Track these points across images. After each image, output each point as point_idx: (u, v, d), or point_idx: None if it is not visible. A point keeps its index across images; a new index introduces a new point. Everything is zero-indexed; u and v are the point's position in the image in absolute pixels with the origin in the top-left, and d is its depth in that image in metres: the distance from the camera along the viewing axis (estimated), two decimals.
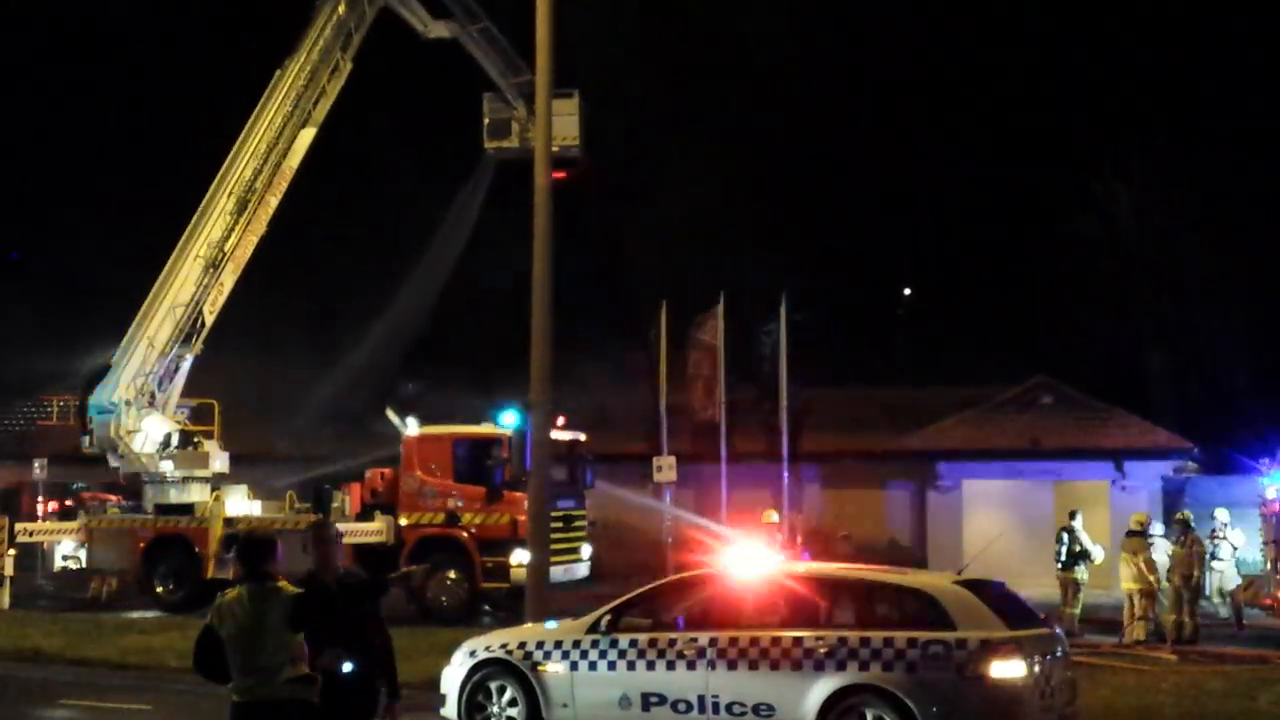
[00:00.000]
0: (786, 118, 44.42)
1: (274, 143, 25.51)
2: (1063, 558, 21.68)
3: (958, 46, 47.26)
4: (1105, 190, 38.76)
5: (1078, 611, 21.47)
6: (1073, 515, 22.35)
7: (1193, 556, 20.80)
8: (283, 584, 7.45)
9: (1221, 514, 22.94)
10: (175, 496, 24.80)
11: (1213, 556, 22.36)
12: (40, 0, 50.60)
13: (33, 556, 26.28)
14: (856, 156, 45.92)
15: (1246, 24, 42.84)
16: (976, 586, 11.65)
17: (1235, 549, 22.73)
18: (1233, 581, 22.69)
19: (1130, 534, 20.92)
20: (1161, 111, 42.05)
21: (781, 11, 41.27)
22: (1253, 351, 37.64)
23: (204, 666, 7.55)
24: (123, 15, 49.51)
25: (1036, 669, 11.00)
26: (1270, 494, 22.05)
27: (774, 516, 22.86)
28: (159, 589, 23.87)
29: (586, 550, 24.25)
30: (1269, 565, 22.09)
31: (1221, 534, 22.70)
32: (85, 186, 44.48)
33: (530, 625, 14.11)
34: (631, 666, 11.86)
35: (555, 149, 18.46)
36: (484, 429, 23.36)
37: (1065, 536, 21.82)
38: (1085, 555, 21.68)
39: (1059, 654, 11.67)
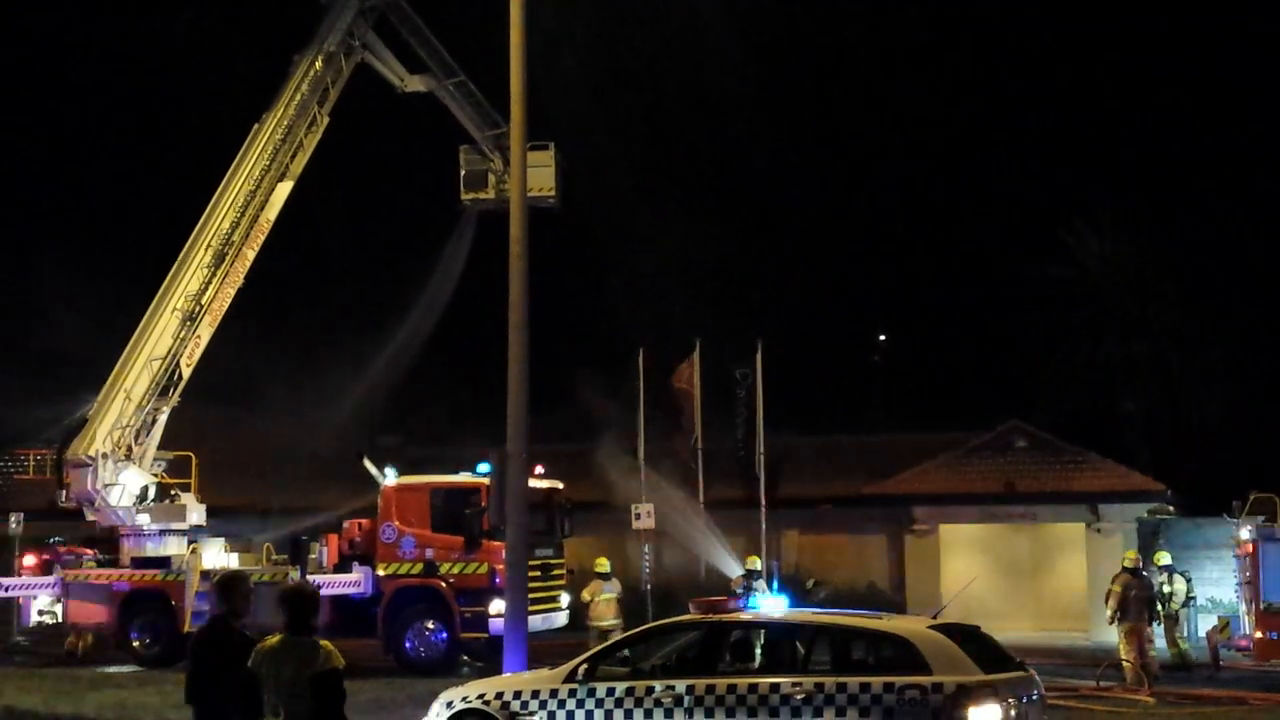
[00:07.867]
0: (762, 167, 44.86)
1: (251, 196, 25.60)
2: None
3: (932, 96, 47.88)
4: (1075, 238, 39.17)
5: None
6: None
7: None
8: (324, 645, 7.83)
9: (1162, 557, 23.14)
10: (152, 550, 24.67)
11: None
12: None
13: (8, 611, 26.09)
14: (831, 205, 46.39)
15: (1211, 72, 43.55)
16: (952, 630, 11.72)
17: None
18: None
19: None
20: (1129, 158, 42.65)
21: (756, 64, 41.77)
22: (1225, 394, 37.92)
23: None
24: (97, 67, 49.78)
25: (1013, 713, 11.04)
26: (1244, 535, 22.23)
27: (757, 563, 22.96)
28: (135, 643, 23.72)
29: (565, 599, 24.24)
30: (1244, 606, 22.23)
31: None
32: (60, 237, 44.41)
33: (508, 675, 14.10)
34: (609, 716, 11.83)
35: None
36: (462, 478, 23.36)
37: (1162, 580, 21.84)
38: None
39: (1035, 697, 11.73)
